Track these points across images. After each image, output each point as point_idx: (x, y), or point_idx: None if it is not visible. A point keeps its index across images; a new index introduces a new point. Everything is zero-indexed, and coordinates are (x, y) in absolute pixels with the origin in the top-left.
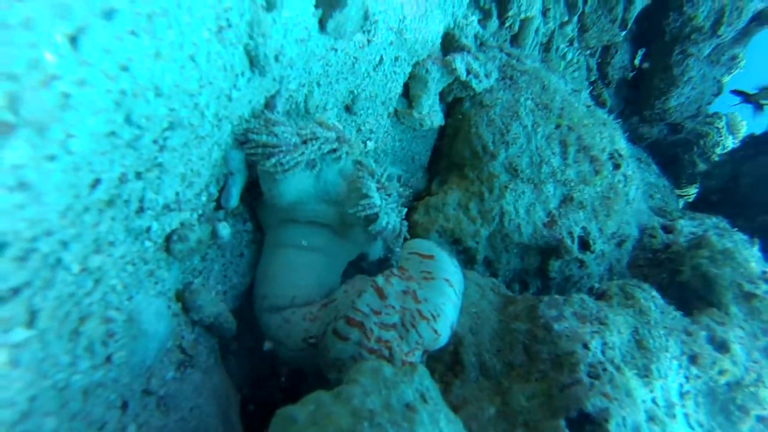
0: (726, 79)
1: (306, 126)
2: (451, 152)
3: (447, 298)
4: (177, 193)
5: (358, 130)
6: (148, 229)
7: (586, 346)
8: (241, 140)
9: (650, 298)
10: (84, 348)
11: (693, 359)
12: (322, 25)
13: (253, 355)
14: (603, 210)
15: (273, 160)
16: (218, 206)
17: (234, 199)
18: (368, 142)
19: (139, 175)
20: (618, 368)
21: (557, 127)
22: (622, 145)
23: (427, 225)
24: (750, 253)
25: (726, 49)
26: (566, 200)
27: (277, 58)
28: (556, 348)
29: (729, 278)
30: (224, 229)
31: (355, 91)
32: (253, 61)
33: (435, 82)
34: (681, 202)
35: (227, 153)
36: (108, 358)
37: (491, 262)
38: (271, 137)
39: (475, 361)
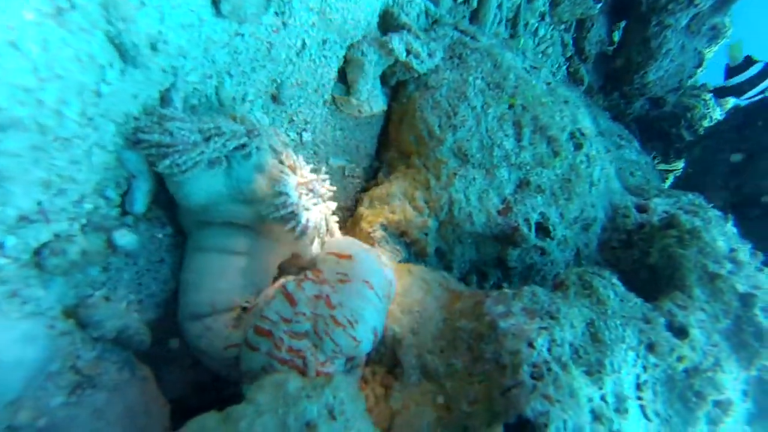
0: (712, 49)
1: (210, 121)
2: (398, 139)
3: (366, 301)
4: (39, 203)
5: (291, 121)
6: (1, 245)
7: (531, 345)
8: (134, 140)
9: (610, 286)
10: None
11: (651, 348)
12: (216, 7)
13: (195, 362)
14: (563, 194)
15: (167, 162)
16: (125, 212)
17: (139, 203)
18: (303, 133)
19: None
20: (564, 366)
21: (510, 107)
22: (585, 124)
23: (372, 218)
24: (719, 231)
25: (705, 19)
26: (522, 185)
27: (154, 47)
28: (501, 347)
29: (694, 259)
30: (122, 238)
31: (279, 80)
32: (121, 51)
33: (372, 65)
34: (670, 177)
35: (120, 154)
36: None
37: (444, 254)
38: (165, 136)
39: (415, 362)
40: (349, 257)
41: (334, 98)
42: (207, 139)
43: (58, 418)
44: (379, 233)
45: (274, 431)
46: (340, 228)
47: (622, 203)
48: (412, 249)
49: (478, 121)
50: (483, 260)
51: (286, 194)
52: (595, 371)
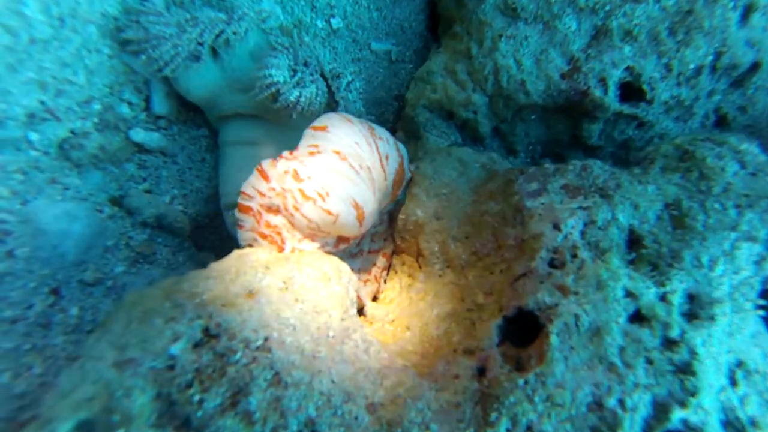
0: None
1: (188, 12)
2: (441, 8)
3: (337, 172)
4: (42, 102)
5: (312, 8)
6: (27, 139)
7: (557, 227)
8: (121, 42)
9: (730, 156)
10: None
11: None
12: None
13: None
14: (675, 34)
15: (143, 57)
16: (158, 116)
17: (157, 104)
18: (332, 19)
19: None
20: (601, 254)
21: None
22: None
23: (414, 101)
24: None
25: None
26: (600, 34)
27: None
28: (525, 231)
29: None
30: (137, 134)
31: None
32: None
33: None
34: None
35: (122, 58)
36: (9, 253)
37: (504, 135)
38: (140, 32)
39: (438, 250)
40: (324, 128)
41: None
42: (183, 32)
43: (122, 281)
44: (422, 116)
45: (212, 292)
46: (395, 119)
47: None
48: (465, 132)
49: None
50: (556, 140)
51: (269, 74)
52: (663, 264)
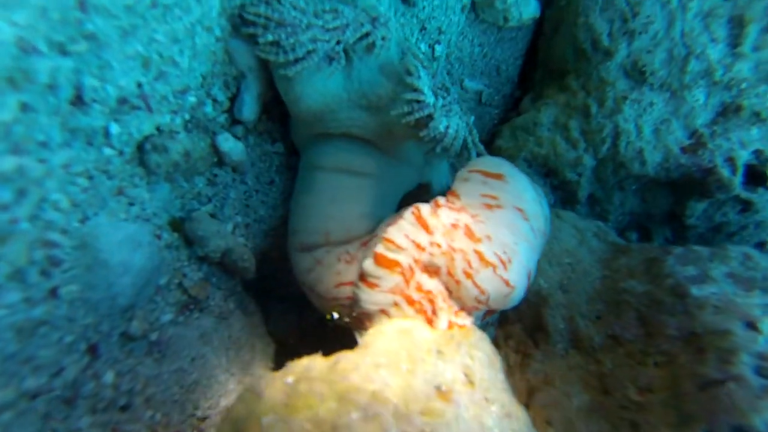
0: None
1: (328, 3)
2: (549, 56)
3: (520, 235)
4: (139, 84)
5: (422, 29)
6: (106, 132)
7: (752, 326)
8: (239, 22)
9: None
10: (6, 276)
11: None
12: None
13: (304, 301)
14: None
15: (269, 36)
16: (235, 121)
17: (248, 107)
18: (437, 45)
19: (59, 48)
20: None
21: None
22: None
23: (513, 151)
24: None
25: None
26: (728, 111)
27: None
28: (695, 322)
29: None
30: (225, 142)
31: None
32: None
33: None
34: None
35: (228, 44)
36: (52, 292)
37: (598, 202)
38: (273, 12)
39: (564, 328)
40: (500, 176)
41: (474, 2)
42: (325, 30)
43: (168, 335)
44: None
45: (393, 389)
46: None
47: None
48: (558, 193)
49: (671, 21)
50: (648, 213)
51: (420, 91)
52: None
